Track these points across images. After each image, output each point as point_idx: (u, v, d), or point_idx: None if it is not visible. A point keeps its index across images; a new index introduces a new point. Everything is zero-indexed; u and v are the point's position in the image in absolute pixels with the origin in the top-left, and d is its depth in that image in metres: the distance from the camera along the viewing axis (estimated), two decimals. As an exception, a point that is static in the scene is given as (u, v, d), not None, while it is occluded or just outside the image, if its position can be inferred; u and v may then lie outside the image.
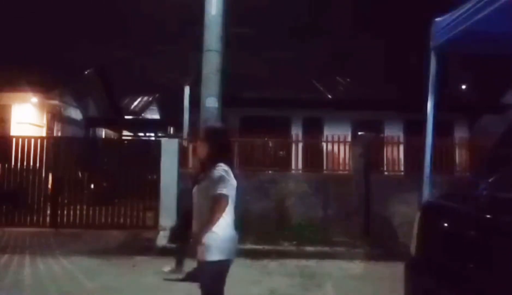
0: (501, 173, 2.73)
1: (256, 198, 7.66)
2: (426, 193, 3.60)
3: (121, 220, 7.98)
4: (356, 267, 6.28)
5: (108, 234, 7.52)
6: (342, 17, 19.28)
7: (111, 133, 18.15)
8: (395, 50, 16.05)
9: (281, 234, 7.32)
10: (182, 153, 8.12)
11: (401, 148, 8.69)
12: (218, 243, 2.68)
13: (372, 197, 7.73)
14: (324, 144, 9.03)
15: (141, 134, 20.17)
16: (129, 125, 19.50)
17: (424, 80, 3.85)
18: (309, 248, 6.80)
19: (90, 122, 15.70)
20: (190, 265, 4.36)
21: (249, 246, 6.37)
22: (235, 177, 2.81)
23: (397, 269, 3.21)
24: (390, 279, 4.23)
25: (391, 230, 7.45)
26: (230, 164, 2.83)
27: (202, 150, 2.88)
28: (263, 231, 7.12)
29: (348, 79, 15.19)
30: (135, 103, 23.49)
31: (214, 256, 2.68)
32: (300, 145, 8.99)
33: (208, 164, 2.84)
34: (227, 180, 2.72)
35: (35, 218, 7.98)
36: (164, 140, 8.66)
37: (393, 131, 10.68)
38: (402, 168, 8.70)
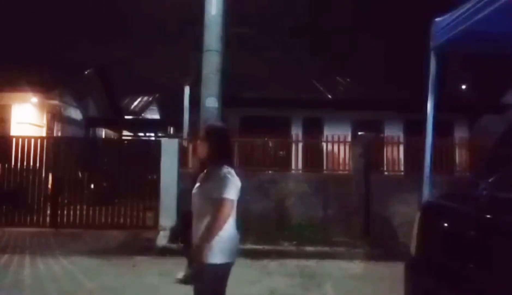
0: (501, 173, 2.73)
1: (256, 198, 7.67)
2: (426, 193, 3.60)
3: (121, 220, 7.98)
4: (356, 267, 6.28)
5: (108, 234, 7.53)
6: (342, 17, 19.28)
7: (111, 133, 18.15)
8: (395, 50, 16.05)
9: (281, 234, 7.32)
10: (182, 153, 8.13)
11: (401, 147, 8.69)
12: (221, 246, 2.60)
13: (372, 197, 7.74)
14: (324, 144, 9.03)
15: (141, 134, 20.17)
16: (129, 125, 19.50)
17: (424, 80, 3.85)
18: (309, 248, 6.80)
19: (90, 122, 15.70)
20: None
21: (249, 246, 6.36)
22: (238, 176, 2.73)
23: (397, 269, 3.20)
24: (390, 279, 4.23)
25: (391, 230, 7.46)
26: (230, 163, 2.76)
27: (203, 149, 2.81)
28: (263, 231, 7.12)
29: (348, 79, 15.19)
30: (135, 103, 23.50)
31: (216, 258, 2.60)
32: (300, 145, 8.98)
33: (208, 164, 2.79)
34: (232, 183, 2.64)
35: (35, 218, 7.98)
36: (164, 140, 8.66)
37: (393, 131, 10.68)
38: (402, 168, 8.70)
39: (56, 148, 8.34)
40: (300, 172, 8.66)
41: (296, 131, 11.12)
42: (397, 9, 18.22)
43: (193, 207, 2.79)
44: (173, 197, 7.61)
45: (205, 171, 2.81)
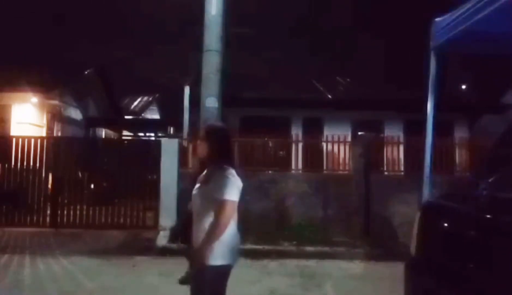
0: (501, 173, 2.73)
1: (256, 198, 7.67)
2: (426, 193, 3.60)
3: (121, 220, 7.98)
4: (356, 267, 6.28)
5: (108, 234, 7.53)
6: (342, 17, 19.29)
7: (111, 133, 18.15)
8: (395, 50, 16.06)
9: (281, 234, 7.32)
10: (182, 153, 8.12)
11: (401, 147, 8.69)
12: (222, 247, 2.58)
13: (372, 197, 7.74)
14: (324, 144, 9.02)
15: (141, 134, 20.17)
16: (129, 125, 19.50)
17: (424, 80, 3.85)
18: (309, 248, 6.80)
19: (90, 122, 15.70)
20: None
21: (249, 246, 6.36)
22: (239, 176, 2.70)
23: (397, 269, 3.21)
24: (390, 279, 4.23)
25: (391, 230, 7.45)
26: (231, 163, 2.74)
27: (203, 149, 2.79)
28: (263, 231, 7.12)
29: (348, 79, 15.20)
30: (135, 103, 23.50)
31: (217, 260, 2.58)
32: (300, 145, 8.98)
33: (208, 164, 2.77)
34: (234, 183, 2.61)
35: (35, 218, 7.98)
36: (164, 140, 8.66)
37: (393, 131, 10.69)
38: (402, 168, 8.70)
39: (56, 147, 8.34)
40: (300, 172, 8.66)
41: (296, 131, 11.12)
42: (397, 9, 18.23)
43: (194, 207, 2.78)
44: (173, 197, 7.61)
45: (205, 171, 2.79)
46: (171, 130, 18.39)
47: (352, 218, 7.75)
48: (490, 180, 2.68)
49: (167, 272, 5.46)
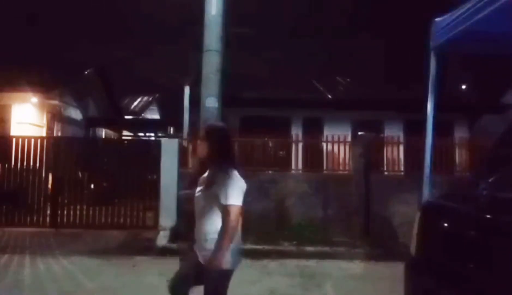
0: (501, 173, 2.73)
1: (256, 198, 7.65)
2: (426, 193, 3.60)
3: (121, 220, 7.98)
4: (356, 267, 6.28)
5: (108, 234, 7.53)
6: (342, 17, 19.28)
7: (111, 133, 18.16)
8: (395, 50, 16.04)
9: (281, 234, 7.32)
10: (182, 153, 8.12)
11: (401, 148, 8.69)
12: (230, 252, 2.62)
13: (372, 197, 7.74)
14: (324, 144, 9.03)
15: (141, 134, 20.18)
16: (129, 125, 19.51)
17: (424, 80, 3.85)
18: (309, 248, 6.80)
19: (90, 122, 15.71)
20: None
21: (249, 246, 6.35)
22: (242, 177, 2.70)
23: (397, 269, 3.21)
24: (390, 279, 4.22)
25: (391, 230, 7.45)
26: (232, 163, 2.73)
27: (203, 149, 2.79)
28: (263, 231, 7.11)
29: (348, 79, 15.19)
30: (135, 103, 23.51)
31: (226, 264, 2.62)
32: (300, 145, 8.98)
33: (209, 164, 2.76)
34: (237, 186, 2.61)
35: (35, 218, 7.98)
36: (164, 140, 8.66)
37: (393, 131, 10.69)
38: (402, 168, 8.70)
39: (56, 147, 8.33)
40: (300, 172, 8.66)
41: (296, 131, 11.12)
42: (397, 9, 18.22)
43: (196, 208, 2.77)
44: (173, 197, 7.60)
45: (206, 172, 2.77)
46: (171, 130, 18.40)
47: (352, 218, 7.75)
48: (490, 180, 2.68)
49: (167, 272, 5.41)
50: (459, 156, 8.93)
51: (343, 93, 14.41)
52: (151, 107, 23.94)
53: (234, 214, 2.57)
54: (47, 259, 6.10)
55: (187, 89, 12.12)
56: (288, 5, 18.08)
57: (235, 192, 2.59)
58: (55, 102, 12.63)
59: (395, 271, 3.38)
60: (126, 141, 13.28)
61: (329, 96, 13.82)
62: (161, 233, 7.36)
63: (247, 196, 2.67)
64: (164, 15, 17.63)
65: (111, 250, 6.69)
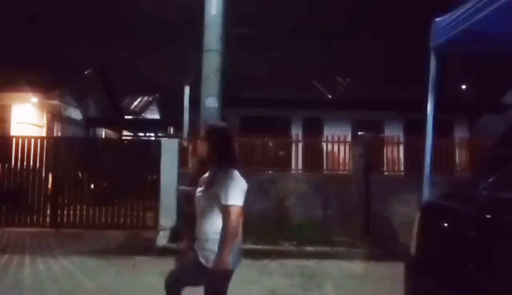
0: (501, 173, 2.73)
1: (256, 198, 7.65)
2: (426, 193, 3.60)
3: (121, 220, 7.98)
4: (356, 267, 6.28)
5: (108, 234, 7.52)
6: (342, 17, 19.27)
7: (111, 133, 18.16)
8: (395, 50, 16.03)
9: (281, 234, 7.32)
10: (182, 153, 8.12)
11: (401, 147, 8.70)
12: (232, 253, 2.62)
13: (372, 197, 7.74)
14: (324, 144, 9.03)
15: (141, 134, 20.18)
16: (129, 125, 19.51)
17: (424, 80, 3.86)
18: (309, 248, 6.80)
19: (90, 122, 15.71)
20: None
21: (249, 246, 6.33)
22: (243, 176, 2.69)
23: (397, 269, 3.20)
24: (390, 279, 4.23)
25: (391, 230, 7.45)
26: (232, 163, 2.71)
27: (203, 149, 2.77)
28: (263, 231, 7.11)
29: (348, 79, 15.19)
30: (135, 103, 23.52)
31: (230, 265, 2.63)
32: (300, 145, 8.99)
33: (209, 165, 2.75)
34: (238, 186, 2.60)
35: (35, 218, 7.98)
36: (164, 140, 8.65)
37: (393, 131, 10.69)
38: (402, 168, 8.70)
39: (56, 147, 8.33)
40: (300, 172, 8.66)
41: (296, 131, 11.12)
42: (397, 9, 18.22)
43: (197, 209, 2.76)
44: (173, 197, 7.59)
45: (207, 173, 2.76)
46: (171, 130, 18.40)
47: (352, 218, 7.75)
48: (490, 180, 2.68)
49: (167, 272, 5.45)
50: (459, 156, 8.93)
51: (343, 93, 14.41)
52: (151, 107, 23.95)
53: (235, 214, 2.56)
54: (47, 259, 6.10)
55: (187, 89, 12.12)
56: (288, 5, 18.08)
57: (236, 192, 2.59)
58: (55, 102, 12.63)
59: (395, 271, 3.38)
60: (126, 142, 13.27)
61: (329, 96, 13.82)
62: (161, 233, 7.36)
63: (248, 196, 2.67)
64: (164, 15, 17.64)
65: (111, 250, 6.68)
